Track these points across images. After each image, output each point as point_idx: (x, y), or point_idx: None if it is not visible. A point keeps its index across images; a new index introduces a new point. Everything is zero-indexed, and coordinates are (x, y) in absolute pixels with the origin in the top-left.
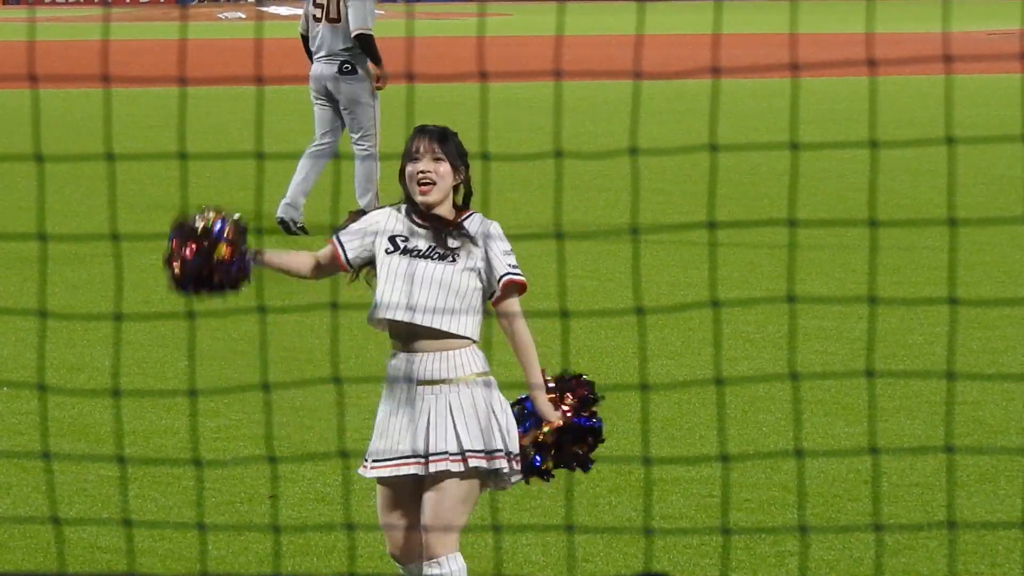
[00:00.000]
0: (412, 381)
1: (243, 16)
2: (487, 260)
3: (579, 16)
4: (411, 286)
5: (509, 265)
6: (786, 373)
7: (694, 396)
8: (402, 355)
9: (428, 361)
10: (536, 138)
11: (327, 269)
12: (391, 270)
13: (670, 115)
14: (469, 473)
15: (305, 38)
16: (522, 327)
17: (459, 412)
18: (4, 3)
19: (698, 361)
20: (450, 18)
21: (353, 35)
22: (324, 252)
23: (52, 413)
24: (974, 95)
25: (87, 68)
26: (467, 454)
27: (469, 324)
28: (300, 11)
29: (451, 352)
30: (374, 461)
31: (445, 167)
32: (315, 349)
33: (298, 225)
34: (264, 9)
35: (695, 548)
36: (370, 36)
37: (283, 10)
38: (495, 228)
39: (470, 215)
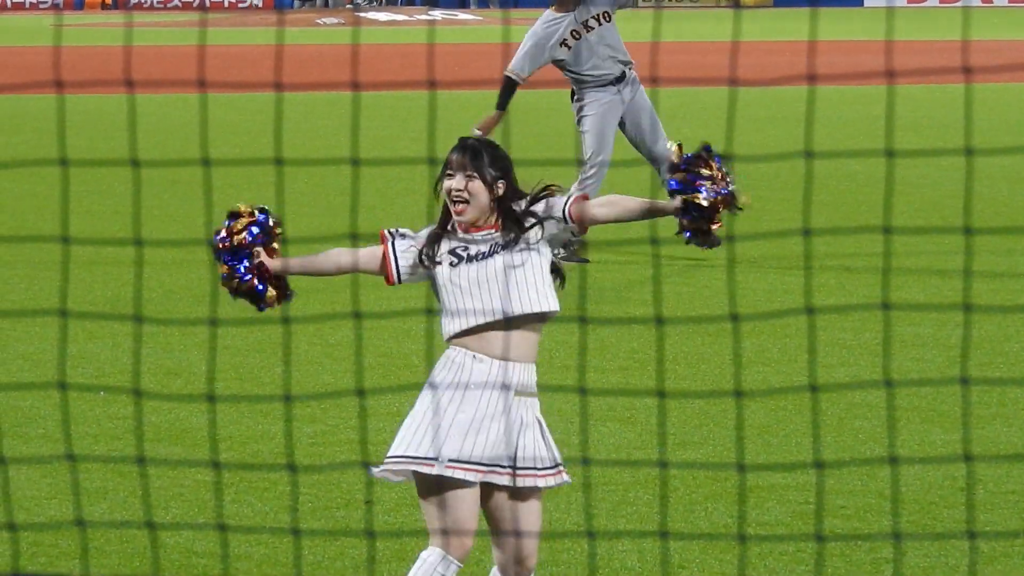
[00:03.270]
0: (507, 390)
1: (342, 21)
2: (547, 219)
3: (675, 23)
4: (499, 284)
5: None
6: (882, 380)
7: (790, 403)
8: (494, 362)
9: (520, 372)
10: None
11: (364, 269)
12: (471, 279)
13: (766, 121)
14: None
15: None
16: (619, 196)
17: (544, 425)
18: (102, 8)
19: (794, 368)
20: None
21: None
22: (369, 254)
23: (148, 418)
24: None
25: (184, 73)
26: (560, 468)
27: (555, 298)
28: (398, 16)
29: (534, 364)
30: (456, 461)
31: (477, 184)
32: (412, 355)
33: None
34: (362, 15)
35: (791, 555)
36: (506, 78)
37: (382, 15)
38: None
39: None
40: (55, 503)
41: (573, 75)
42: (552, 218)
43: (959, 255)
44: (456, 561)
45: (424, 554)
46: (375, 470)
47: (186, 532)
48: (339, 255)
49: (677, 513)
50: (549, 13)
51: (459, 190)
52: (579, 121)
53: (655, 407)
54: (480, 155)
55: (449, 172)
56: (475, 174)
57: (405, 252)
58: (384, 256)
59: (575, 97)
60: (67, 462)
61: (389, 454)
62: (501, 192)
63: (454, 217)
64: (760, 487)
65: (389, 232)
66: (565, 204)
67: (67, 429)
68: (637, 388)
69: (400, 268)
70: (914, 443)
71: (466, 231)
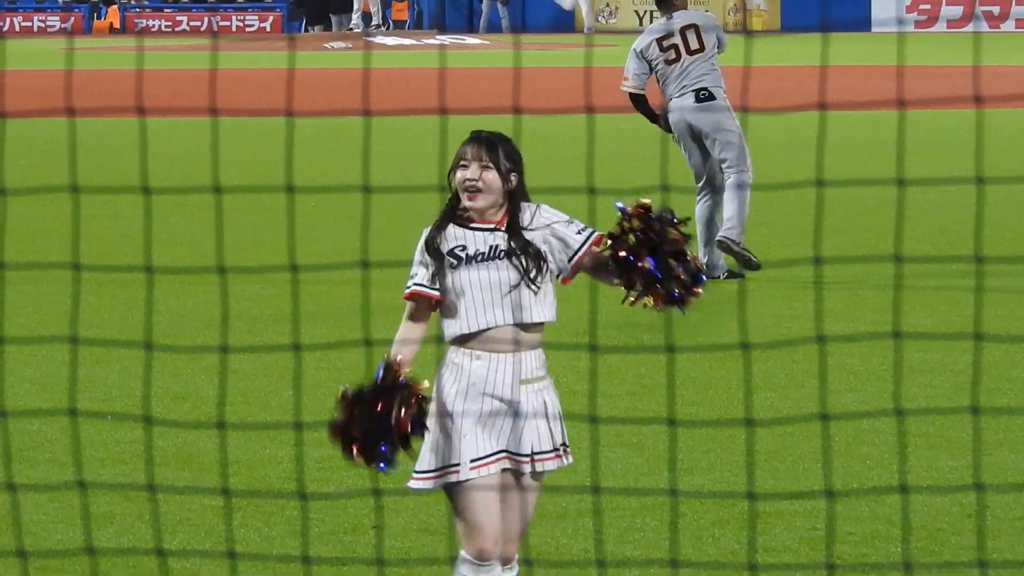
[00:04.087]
0: (511, 382)
1: (349, 46)
2: (557, 238)
3: None
4: (499, 288)
5: (580, 231)
6: (890, 407)
7: (798, 429)
8: (492, 356)
9: (528, 360)
10: (642, 170)
11: (429, 315)
12: (470, 281)
13: (776, 146)
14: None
15: (637, 96)
16: None
17: (551, 408)
18: (110, 32)
19: (802, 394)
20: (556, 49)
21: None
22: (417, 309)
23: (156, 443)
24: None
25: (193, 98)
26: (564, 449)
27: (553, 309)
28: (406, 41)
29: (541, 349)
30: (477, 460)
31: (492, 175)
32: (420, 379)
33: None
34: (371, 39)
35: None
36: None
37: (390, 40)
38: (546, 209)
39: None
40: (62, 528)
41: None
42: (563, 238)
43: (968, 281)
44: (488, 564)
45: (461, 570)
46: (409, 484)
47: (194, 557)
48: (416, 328)
49: (685, 539)
50: None
51: (473, 179)
52: (726, 124)
53: (663, 433)
54: (495, 147)
55: (463, 163)
56: (490, 164)
57: (421, 273)
58: (422, 296)
59: (711, 96)
60: (75, 487)
61: (417, 469)
62: (513, 185)
63: (465, 203)
64: (768, 513)
65: (412, 287)
66: (586, 240)
67: (76, 454)
68: (645, 414)
69: (430, 286)
70: (922, 469)
71: (469, 222)
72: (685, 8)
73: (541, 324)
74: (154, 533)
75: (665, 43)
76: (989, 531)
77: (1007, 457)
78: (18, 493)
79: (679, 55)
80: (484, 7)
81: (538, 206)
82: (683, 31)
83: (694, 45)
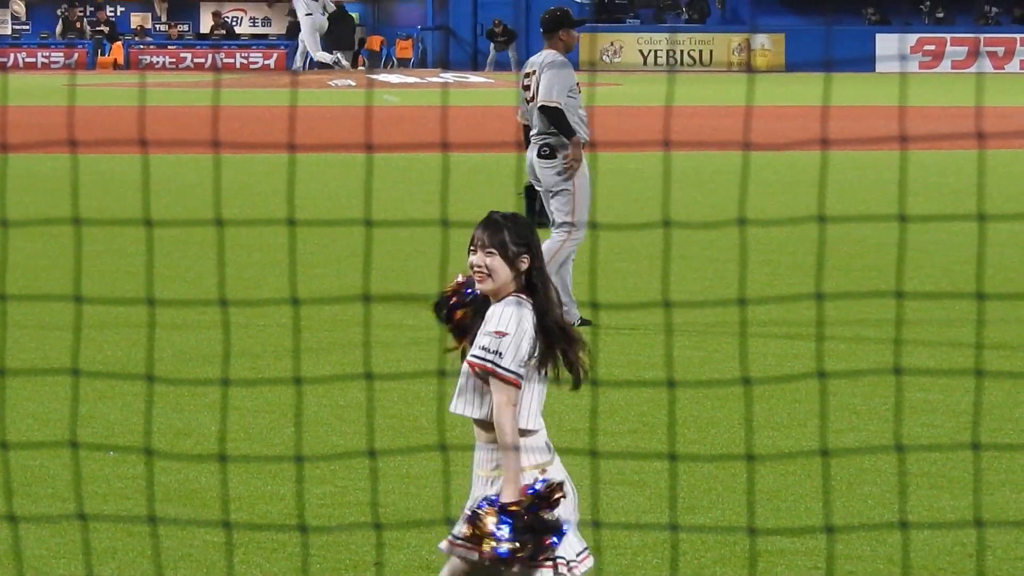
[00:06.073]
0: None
1: (353, 84)
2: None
3: (688, 87)
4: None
5: (479, 347)
6: (892, 445)
7: (800, 467)
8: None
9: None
10: (644, 208)
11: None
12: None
13: (778, 186)
14: None
15: (526, 127)
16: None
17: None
18: (114, 68)
19: (804, 433)
20: None
21: (537, 107)
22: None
23: (158, 478)
24: None
25: (197, 134)
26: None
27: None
28: (410, 79)
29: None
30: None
31: (496, 260)
32: (421, 416)
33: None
34: (374, 77)
35: None
36: (555, 109)
37: (393, 78)
38: (499, 309)
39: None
40: (64, 563)
41: (565, 127)
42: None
43: (969, 321)
44: None
45: None
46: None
47: None
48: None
49: None
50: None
51: (479, 266)
52: (564, 180)
53: (665, 471)
54: (500, 230)
55: (472, 247)
56: (494, 250)
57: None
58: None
59: (552, 154)
60: (76, 521)
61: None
62: (525, 266)
63: (476, 287)
64: (769, 551)
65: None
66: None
67: (77, 489)
68: (647, 451)
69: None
70: (923, 508)
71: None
72: (562, 50)
73: (479, 420)
74: (155, 568)
75: (525, 80)
76: (990, 571)
77: (1009, 497)
78: (19, 527)
79: (532, 98)
80: (491, 50)
81: (511, 301)
82: (533, 74)
83: (534, 93)
